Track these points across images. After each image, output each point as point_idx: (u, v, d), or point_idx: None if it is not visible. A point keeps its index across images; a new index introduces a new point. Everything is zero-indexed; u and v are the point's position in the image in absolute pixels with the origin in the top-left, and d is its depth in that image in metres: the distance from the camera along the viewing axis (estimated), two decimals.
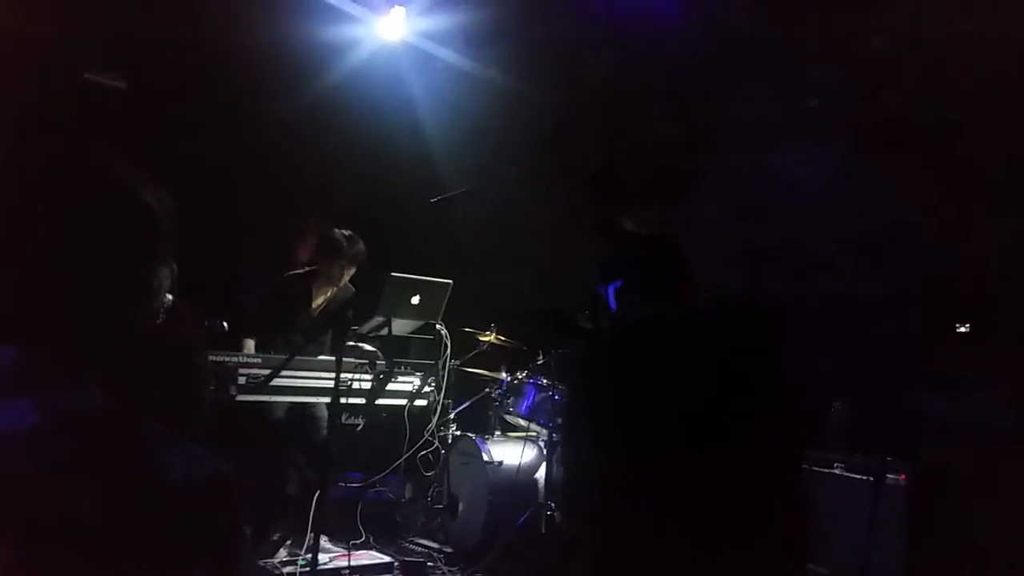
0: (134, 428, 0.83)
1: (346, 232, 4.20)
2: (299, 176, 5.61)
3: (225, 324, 4.37)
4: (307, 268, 4.27)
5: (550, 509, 3.79)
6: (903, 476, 3.30)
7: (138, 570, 0.75)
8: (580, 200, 3.47)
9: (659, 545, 2.15)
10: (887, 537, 3.16)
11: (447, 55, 5.45)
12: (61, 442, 0.77)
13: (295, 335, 4.04)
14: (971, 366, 3.54)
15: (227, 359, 3.49)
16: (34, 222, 0.84)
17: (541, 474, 4.18)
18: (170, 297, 4.59)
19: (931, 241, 3.98)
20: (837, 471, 3.51)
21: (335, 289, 4.25)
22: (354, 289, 4.32)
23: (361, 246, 4.20)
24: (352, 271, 4.21)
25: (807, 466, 3.46)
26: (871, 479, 3.31)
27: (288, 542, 3.83)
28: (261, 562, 3.60)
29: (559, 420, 4.01)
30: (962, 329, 3.83)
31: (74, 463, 0.76)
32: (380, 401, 3.89)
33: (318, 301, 4.25)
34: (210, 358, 3.41)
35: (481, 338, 4.48)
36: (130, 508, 0.76)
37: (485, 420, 4.70)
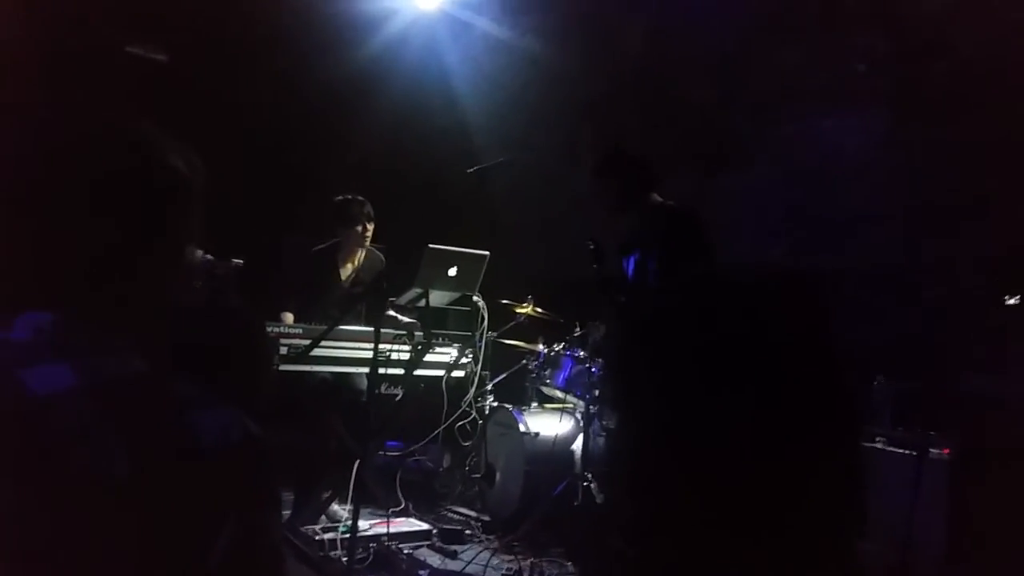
0: (169, 392, 0.84)
1: (349, 196, 4.19)
2: (337, 147, 5.62)
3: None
4: (330, 241, 4.28)
5: (586, 480, 3.80)
6: (947, 451, 3.24)
7: (171, 533, 0.76)
8: (596, 182, 3.49)
9: (703, 522, 2.14)
10: (930, 512, 3.12)
11: (484, 24, 5.39)
12: (95, 406, 0.78)
13: (329, 308, 4.08)
14: (1019, 340, 3.45)
15: (270, 329, 3.55)
16: (66, 187, 0.85)
17: (578, 445, 4.19)
18: (209, 257, 4.55)
19: (980, 212, 3.87)
20: (880, 445, 3.47)
21: (361, 254, 4.25)
22: (384, 260, 4.34)
23: (368, 206, 4.17)
24: (371, 230, 4.19)
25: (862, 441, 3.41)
26: (914, 454, 3.25)
27: (328, 509, 3.91)
28: (303, 528, 3.68)
29: (596, 392, 4.01)
30: (1011, 301, 3.73)
31: (108, 427, 0.77)
32: (418, 372, 3.92)
33: (346, 271, 4.27)
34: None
35: (518, 310, 4.49)
36: (163, 472, 0.77)
37: (522, 391, 4.72)
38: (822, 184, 4.42)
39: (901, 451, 3.36)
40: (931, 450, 3.25)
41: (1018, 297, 3.71)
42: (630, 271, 3.42)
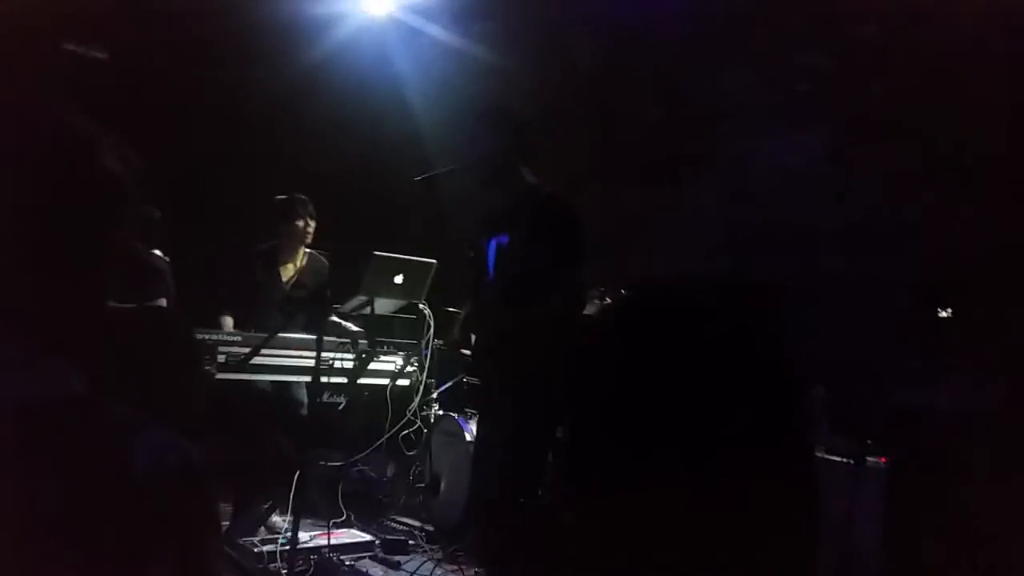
0: (102, 415, 0.79)
1: (289, 194, 4.18)
2: (284, 153, 5.54)
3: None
4: (270, 243, 4.21)
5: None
6: (883, 459, 3.32)
7: (104, 561, 0.72)
8: (474, 140, 3.06)
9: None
10: (867, 519, 3.18)
11: (433, 31, 5.37)
12: (21, 430, 0.72)
13: (270, 311, 4.00)
14: (953, 352, 3.56)
15: (207, 337, 3.45)
16: None
17: None
18: (157, 253, 4.34)
19: (916, 227, 4.00)
20: (818, 454, 3.53)
21: (303, 255, 4.20)
22: (328, 265, 4.28)
23: (309, 205, 4.17)
24: (312, 227, 4.17)
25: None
26: (852, 462, 3.32)
27: (268, 520, 3.82)
28: (241, 540, 3.58)
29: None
30: (944, 315, 3.85)
31: (35, 453, 0.72)
32: (362, 380, 3.86)
33: (287, 272, 4.20)
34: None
35: None
36: (95, 499, 0.73)
37: (468, 400, 4.68)
38: (762, 200, 4.51)
39: (839, 459, 3.42)
40: (868, 458, 3.32)
41: (950, 311, 3.84)
42: (492, 257, 3.10)
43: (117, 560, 0.73)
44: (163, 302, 3.75)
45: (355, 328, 3.88)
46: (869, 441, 3.38)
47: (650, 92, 5.00)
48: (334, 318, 3.91)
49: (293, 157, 5.53)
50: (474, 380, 3.19)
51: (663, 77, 4.92)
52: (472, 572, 3.52)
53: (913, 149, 3.94)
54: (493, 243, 3.10)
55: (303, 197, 4.16)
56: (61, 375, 0.78)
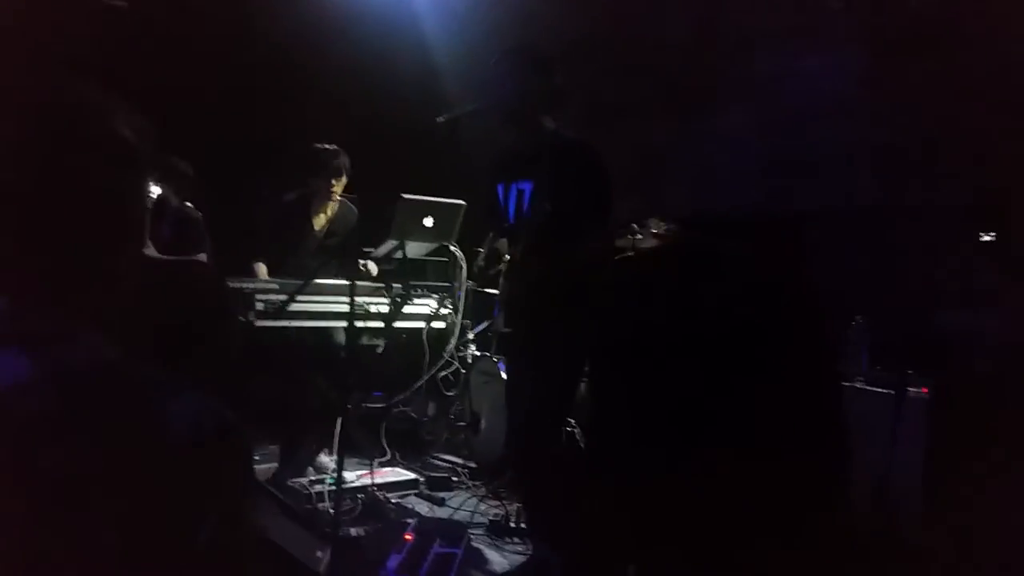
0: (138, 381, 0.81)
1: (326, 146, 4.11)
2: (304, 95, 5.48)
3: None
4: (302, 191, 4.20)
5: (569, 426, 3.83)
6: (924, 389, 3.28)
7: (142, 527, 0.74)
8: (496, 81, 2.97)
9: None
10: (907, 451, 3.16)
11: None
12: (58, 398, 0.75)
13: (303, 258, 4.04)
14: (995, 277, 3.47)
15: (245, 285, 3.51)
16: (9, 163, 0.80)
17: None
18: (189, 205, 4.37)
19: (957, 148, 3.85)
20: (858, 385, 3.51)
21: (333, 205, 4.20)
22: (356, 212, 4.27)
23: (344, 158, 4.11)
24: (343, 183, 4.14)
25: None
26: (892, 392, 3.29)
27: (316, 461, 3.93)
28: (291, 481, 3.71)
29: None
30: (987, 238, 3.74)
31: (71, 420, 0.74)
32: (398, 324, 3.90)
33: (320, 222, 4.22)
34: (230, 285, 3.43)
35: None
36: (132, 465, 0.74)
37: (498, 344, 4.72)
38: (797, 125, 4.37)
39: (879, 390, 3.39)
40: (909, 389, 3.28)
41: (993, 234, 3.72)
42: (512, 202, 3.07)
43: (157, 524, 0.75)
44: (203, 257, 3.79)
45: (385, 268, 3.90)
46: (910, 371, 3.33)
47: (677, 17, 4.83)
48: (369, 265, 3.94)
49: (315, 100, 5.47)
50: (502, 329, 3.21)
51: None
52: (514, 506, 3.61)
53: (953, 66, 3.76)
54: (513, 188, 3.06)
55: (335, 149, 4.10)
56: (94, 344, 0.80)
